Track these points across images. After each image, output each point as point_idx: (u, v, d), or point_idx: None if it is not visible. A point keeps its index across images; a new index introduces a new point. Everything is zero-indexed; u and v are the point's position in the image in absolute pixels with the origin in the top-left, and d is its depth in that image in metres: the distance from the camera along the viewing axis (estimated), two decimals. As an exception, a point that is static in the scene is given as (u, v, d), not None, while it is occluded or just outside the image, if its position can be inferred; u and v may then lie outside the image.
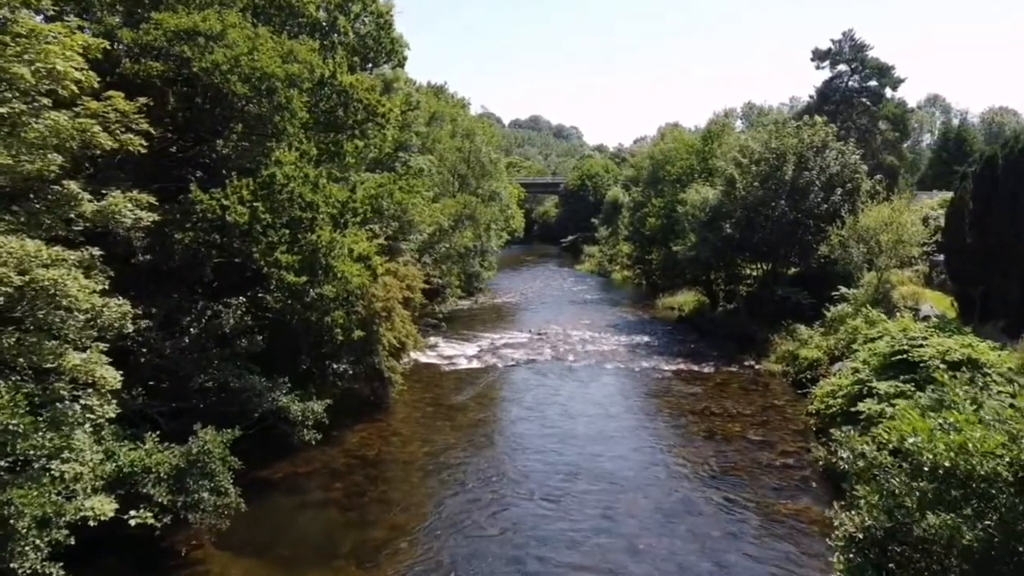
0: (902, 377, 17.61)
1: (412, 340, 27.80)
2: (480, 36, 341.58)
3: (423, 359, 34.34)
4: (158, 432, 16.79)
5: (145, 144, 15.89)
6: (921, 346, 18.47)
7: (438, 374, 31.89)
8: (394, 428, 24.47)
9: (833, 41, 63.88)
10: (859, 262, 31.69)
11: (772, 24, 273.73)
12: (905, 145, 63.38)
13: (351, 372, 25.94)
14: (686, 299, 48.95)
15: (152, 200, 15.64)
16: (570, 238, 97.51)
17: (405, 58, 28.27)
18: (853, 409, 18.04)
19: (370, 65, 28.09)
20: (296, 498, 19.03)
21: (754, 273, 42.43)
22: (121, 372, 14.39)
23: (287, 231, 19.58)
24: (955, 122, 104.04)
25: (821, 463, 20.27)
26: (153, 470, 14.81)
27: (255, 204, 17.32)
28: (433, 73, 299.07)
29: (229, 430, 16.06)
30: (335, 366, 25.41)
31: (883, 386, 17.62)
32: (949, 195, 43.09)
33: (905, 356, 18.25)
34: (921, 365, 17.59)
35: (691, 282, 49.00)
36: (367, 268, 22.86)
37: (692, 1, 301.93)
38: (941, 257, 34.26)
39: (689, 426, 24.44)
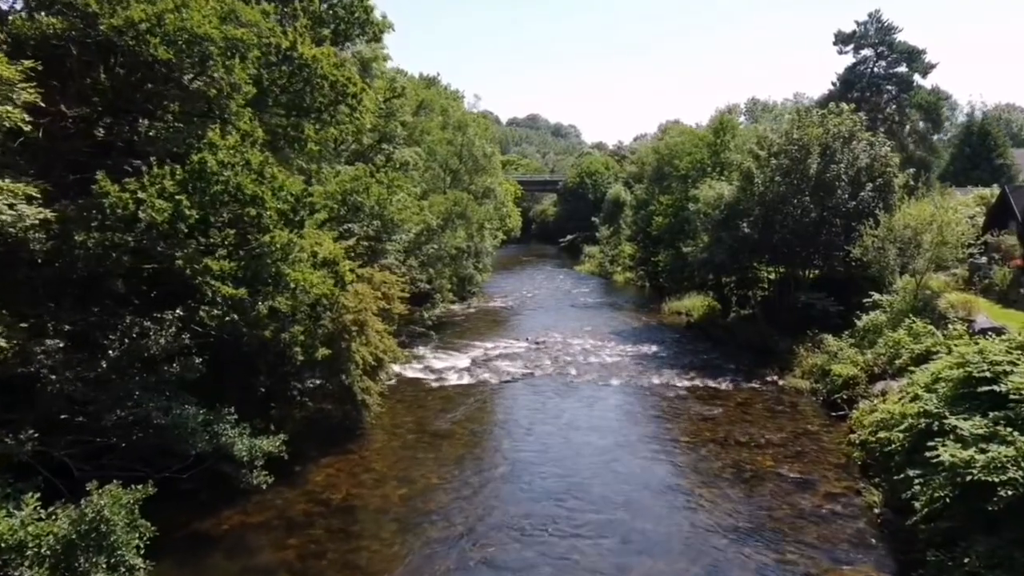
0: (992, 414, 14.10)
1: (391, 355, 24.27)
2: (478, 34, 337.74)
3: (408, 373, 30.86)
4: (48, 484, 13.53)
5: (28, 119, 12.43)
6: (1008, 372, 14.96)
7: (423, 391, 28.36)
8: (367, 462, 20.92)
9: (858, 23, 59.65)
10: (895, 265, 28.18)
11: (773, 21, 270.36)
12: (936, 137, 59.44)
13: (320, 392, 22.62)
14: (694, 304, 45.38)
15: (33, 192, 12.17)
16: (569, 238, 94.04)
17: (382, 31, 24.71)
18: (928, 454, 14.44)
19: (342, 40, 24.51)
20: (238, 560, 15.48)
21: (770, 276, 38.95)
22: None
23: (231, 231, 16.15)
24: (960, 118, 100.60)
25: (878, 511, 16.83)
26: (30, 545, 11.27)
27: (179, 198, 13.76)
28: (431, 70, 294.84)
29: (139, 487, 12.54)
30: (300, 385, 22.04)
31: (967, 425, 14.05)
32: (987, 191, 39.84)
33: (994, 387, 14.70)
34: (1013, 399, 14.08)
35: (700, 286, 45.52)
36: (333, 275, 19.39)
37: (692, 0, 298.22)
38: (984, 260, 30.90)
39: (712, 459, 20.92)
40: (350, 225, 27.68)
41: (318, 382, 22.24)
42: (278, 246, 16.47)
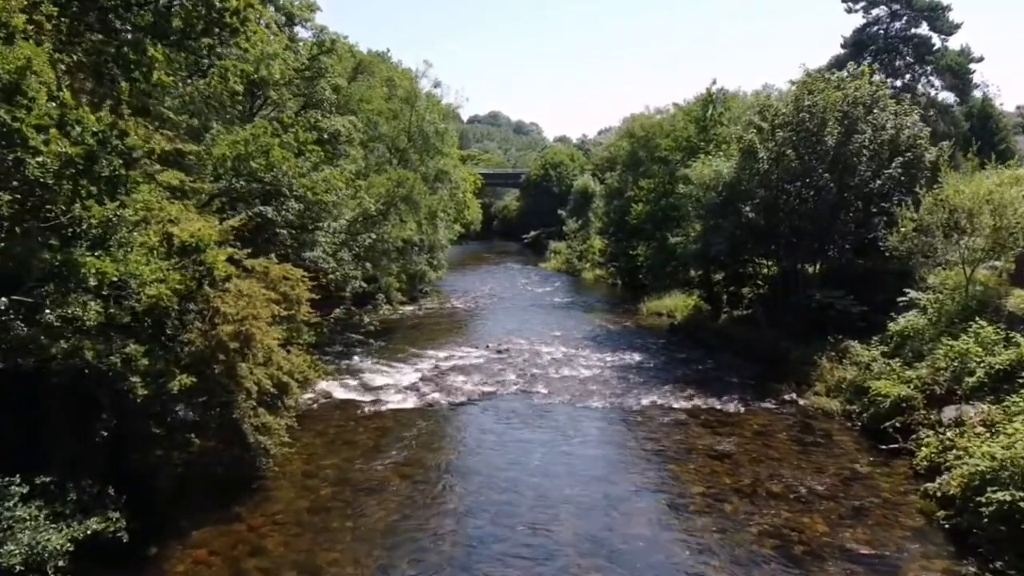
0: None
1: (302, 376, 18.00)
2: (437, 32, 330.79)
3: (339, 393, 24.72)
4: None
5: None
6: None
7: (354, 420, 22.12)
8: (259, 536, 14.62)
9: (870, -24, 52.22)
10: (941, 255, 22.81)
11: (738, 14, 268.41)
12: (960, 109, 53.78)
13: (203, 429, 16.40)
14: (677, 303, 39.80)
15: None
16: (533, 233, 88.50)
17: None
18: None
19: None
20: None
21: (767, 271, 33.45)
22: None
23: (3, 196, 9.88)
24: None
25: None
26: None
27: None
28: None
29: None
30: (169, 421, 15.82)
31: None
32: (1021, 171, 34.82)
33: None
34: None
35: (685, 283, 39.94)
36: (198, 266, 13.20)
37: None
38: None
39: (741, 522, 15.06)
40: (263, 208, 21.51)
41: (193, 418, 16.05)
42: (94, 222, 10.28)
